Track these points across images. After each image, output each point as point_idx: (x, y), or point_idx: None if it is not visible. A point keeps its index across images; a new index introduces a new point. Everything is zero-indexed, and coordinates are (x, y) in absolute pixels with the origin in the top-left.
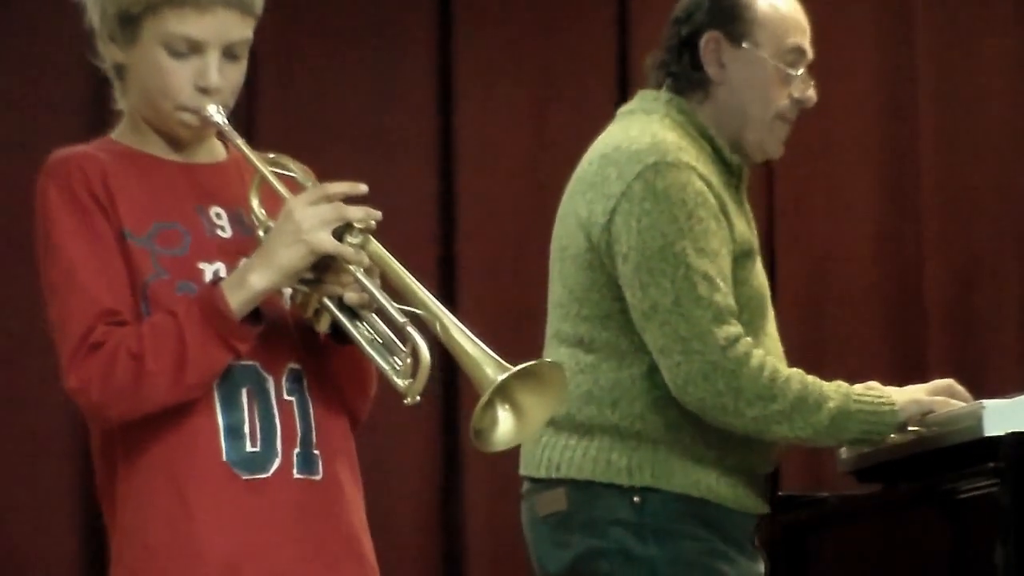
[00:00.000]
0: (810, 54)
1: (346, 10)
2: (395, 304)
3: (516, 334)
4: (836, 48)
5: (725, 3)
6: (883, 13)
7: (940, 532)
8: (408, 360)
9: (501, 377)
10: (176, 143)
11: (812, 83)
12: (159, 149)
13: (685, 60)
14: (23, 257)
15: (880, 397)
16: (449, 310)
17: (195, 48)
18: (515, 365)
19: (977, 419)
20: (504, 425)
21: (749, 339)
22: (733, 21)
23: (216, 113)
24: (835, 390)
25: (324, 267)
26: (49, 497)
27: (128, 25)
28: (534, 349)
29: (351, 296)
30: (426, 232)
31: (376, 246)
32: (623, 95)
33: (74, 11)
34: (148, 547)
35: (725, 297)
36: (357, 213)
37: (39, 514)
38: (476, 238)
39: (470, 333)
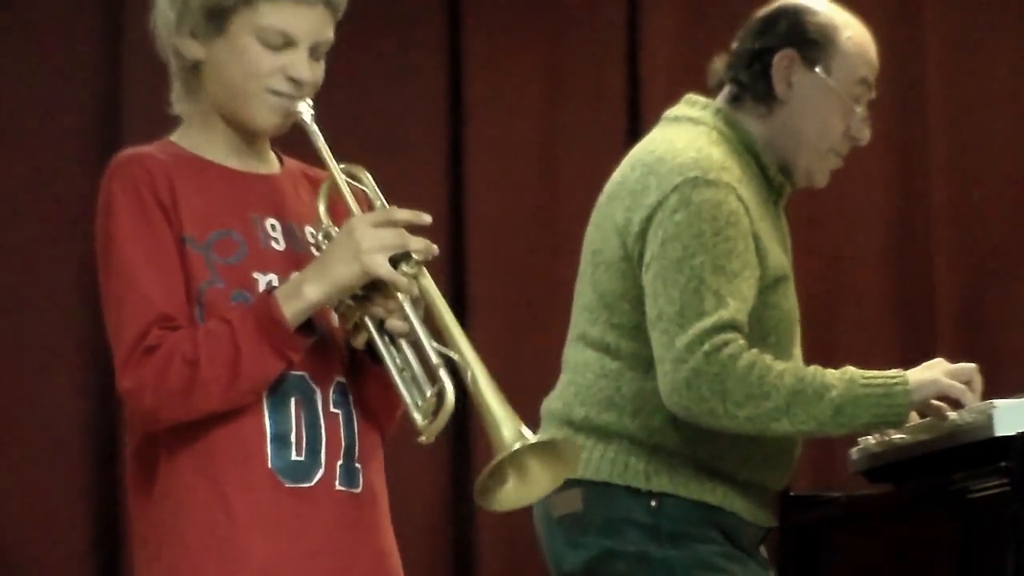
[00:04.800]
0: (873, 92)
1: (357, 16)
2: (434, 343)
3: (525, 346)
4: None
5: (808, 24)
6: (891, 14)
7: (950, 532)
8: (432, 400)
9: (516, 446)
10: (239, 147)
11: (868, 123)
12: (219, 155)
13: (756, 69)
14: (29, 261)
15: (892, 377)
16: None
17: (288, 42)
18: (530, 431)
19: (988, 419)
20: (509, 487)
21: (742, 343)
22: (812, 44)
23: (307, 109)
24: (839, 377)
25: (374, 288)
26: (60, 500)
27: (215, 18)
28: (543, 361)
29: (393, 323)
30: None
31: (428, 280)
32: (633, 89)
33: (75, 8)
34: (188, 546)
35: (733, 313)
36: (418, 244)
37: (50, 517)
38: (486, 249)
39: (498, 391)
